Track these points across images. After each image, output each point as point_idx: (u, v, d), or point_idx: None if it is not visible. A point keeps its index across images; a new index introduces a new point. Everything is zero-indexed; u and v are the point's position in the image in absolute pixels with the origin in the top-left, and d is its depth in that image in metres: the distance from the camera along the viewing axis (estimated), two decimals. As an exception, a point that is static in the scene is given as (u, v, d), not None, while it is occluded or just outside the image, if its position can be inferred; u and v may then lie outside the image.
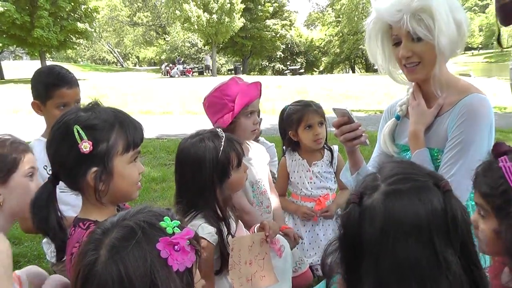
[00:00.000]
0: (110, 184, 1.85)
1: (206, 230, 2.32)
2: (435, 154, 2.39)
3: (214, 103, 2.95)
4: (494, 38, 4.46)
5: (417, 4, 2.16)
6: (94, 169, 1.81)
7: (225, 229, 2.44)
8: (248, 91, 3.01)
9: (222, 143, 2.44)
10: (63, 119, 1.84)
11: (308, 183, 3.56)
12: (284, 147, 3.71)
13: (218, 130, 2.54)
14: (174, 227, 1.32)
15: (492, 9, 5.26)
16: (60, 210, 1.94)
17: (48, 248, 3.21)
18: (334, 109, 2.41)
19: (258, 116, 3.31)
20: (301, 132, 3.47)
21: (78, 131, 1.77)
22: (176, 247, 1.28)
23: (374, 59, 2.52)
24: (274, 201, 3.36)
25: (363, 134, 2.36)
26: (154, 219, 1.34)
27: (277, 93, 21.42)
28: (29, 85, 3.02)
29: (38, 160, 2.93)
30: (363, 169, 2.52)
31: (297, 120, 3.46)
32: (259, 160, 3.24)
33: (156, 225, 1.32)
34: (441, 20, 2.16)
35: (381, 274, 1.23)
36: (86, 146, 1.76)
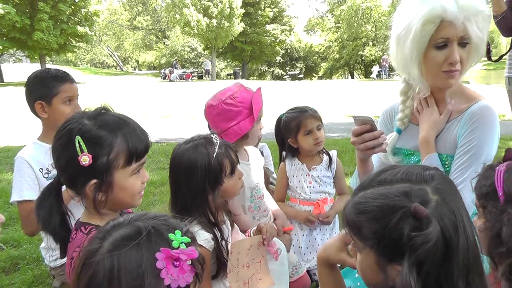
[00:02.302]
0: (110, 196, 1.84)
1: (202, 237, 2.32)
2: (444, 159, 2.44)
3: (227, 111, 2.92)
4: (492, 47, 4.47)
5: (479, 9, 2.24)
6: (94, 181, 1.80)
7: (218, 234, 2.44)
8: (258, 97, 3.02)
9: (216, 150, 2.43)
10: (67, 126, 1.82)
11: (307, 187, 3.56)
12: (283, 153, 3.71)
13: (213, 136, 2.53)
14: (182, 243, 1.30)
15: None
16: (68, 210, 1.94)
17: (46, 253, 3.22)
18: (355, 117, 2.37)
19: None
20: (301, 138, 3.48)
21: (79, 143, 1.75)
22: (175, 262, 1.26)
23: (403, 61, 2.47)
24: (271, 202, 3.40)
25: (384, 142, 2.34)
26: (165, 228, 1.32)
27: (277, 98, 21.43)
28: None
29: (34, 163, 2.95)
30: None
31: (295, 127, 3.47)
32: (256, 165, 3.25)
33: (164, 235, 1.30)
34: (488, 26, 2.30)
35: None
36: (85, 159, 1.75)
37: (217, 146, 2.45)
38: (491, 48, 4.56)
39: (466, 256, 1.31)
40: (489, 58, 4.54)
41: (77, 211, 2.00)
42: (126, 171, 1.87)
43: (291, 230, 3.21)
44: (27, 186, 2.91)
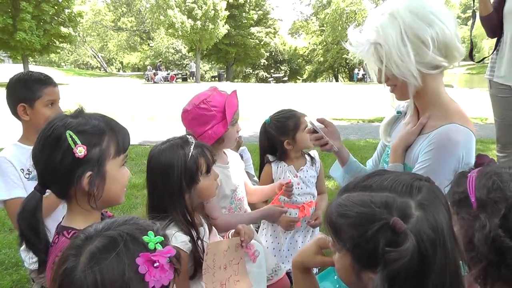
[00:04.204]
0: (104, 188, 1.84)
1: (179, 239, 2.34)
2: (408, 170, 2.42)
3: (201, 115, 2.95)
4: (474, 51, 4.54)
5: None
6: (89, 173, 1.79)
7: (194, 234, 2.45)
8: (232, 101, 3.02)
9: (191, 149, 2.46)
10: (52, 126, 1.81)
11: (295, 188, 3.55)
12: (268, 157, 3.70)
13: (188, 136, 2.56)
14: (157, 243, 1.33)
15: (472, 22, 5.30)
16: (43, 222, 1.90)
17: (27, 255, 3.18)
18: (306, 120, 2.80)
19: None
20: (300, 135, 3.47)
21: (71, 136, 1.76)
22: (155, 264, 1.28)
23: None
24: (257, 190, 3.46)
25: (328, 143, 2.66)
26: (138, 232, 1.34)
27: (262, 100, 21.47)
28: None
29: (16, 163, 2.94)
30: (351, 163, 2.81)
31: (294, 125, 3.48)
32: (236, 168, 3.26)
33: (139, 239, 1.32)
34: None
35: None
36: (81, 150, 1.75)
37: (192, 146, 2.48)
38: (473, 51, 4.62)
39: (443, 274, 1.32)
40: (471, 58, 4.59)
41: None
42: (116, 162, 1.89)
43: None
44: (14, 184, 2.90)
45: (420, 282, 1.30)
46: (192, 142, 2.50)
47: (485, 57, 4.70)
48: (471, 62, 4.45)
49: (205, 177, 2.53)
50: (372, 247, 1.30)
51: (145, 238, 1.32)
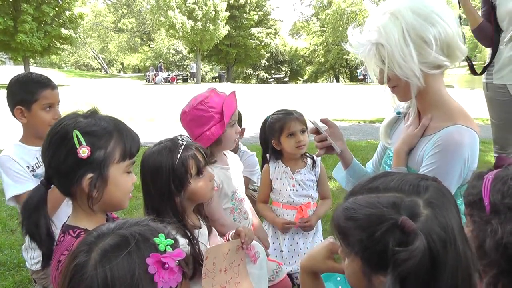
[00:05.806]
0: (104, 191, 1.85)
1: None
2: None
3: (199, 116, 2.95)
4: (476, 52, 4.49)
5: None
6: (90, 175, 1.80)
7: (189, 235, 2.45)
8: (230, 102, 3.03)
9: (180, 151, 2.45)
10: (62, 123, 1.84)
11: (290, 190, 3.56)
12: (267, 155, 3.70)
13: (179, 138, 2.55)
14: (167, 245, 1.35)
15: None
16: (49, 216, 1.92)
17: (27, 254, 3.18)
18: (309, 121, 2.77)
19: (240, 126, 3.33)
20: (284, 140, 3.48)
21: (77, 136, 1.77)
22: (165, 265, 1.30)
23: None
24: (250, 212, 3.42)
25: (332, 144, 2.62)
26: (149, 233, 1.36)
27: (262, 101, 21.46)
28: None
29: (21, 161, 2.94)
30: (354, 165, 2.79)
31: (279, 129, 3.48)
32: (235, 170, 3.27)
33: (150, 240, 1.34)
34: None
35: None
36: (84, 151, 1.77)
37: (182, 148, 2.47)
38: (472, 61, 4.58)
39: (455, 275, 1.29)
40: (473, 72, 4.55)
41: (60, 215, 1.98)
42: (120, 167, 1.89)
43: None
44: (24, 179, 2.89)
45: (432, 284, 1.28)
46: (182, 144, 2.49)
47: (486, 66, 4.64)
48: (473, 63, 4.39)
49: (196, 179, 2.51)
50: (381, 248, 1.28)
51: (156, 239, 1.35)
